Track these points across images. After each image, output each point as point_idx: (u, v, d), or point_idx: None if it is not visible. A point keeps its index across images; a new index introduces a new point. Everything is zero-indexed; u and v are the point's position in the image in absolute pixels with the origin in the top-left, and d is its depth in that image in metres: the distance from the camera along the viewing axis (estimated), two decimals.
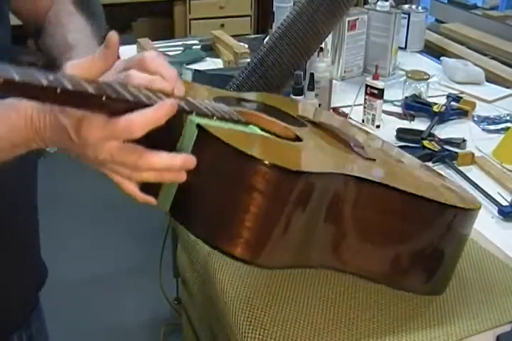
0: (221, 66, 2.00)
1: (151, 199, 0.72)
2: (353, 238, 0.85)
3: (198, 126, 0.71)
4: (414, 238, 0.89)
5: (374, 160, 0.94)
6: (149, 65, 0.74)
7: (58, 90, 0.60)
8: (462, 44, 2.28)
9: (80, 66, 0.66)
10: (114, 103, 0.65)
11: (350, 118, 1.62)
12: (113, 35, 0.66)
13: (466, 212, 0.92)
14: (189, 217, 0.74)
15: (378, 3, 1.91)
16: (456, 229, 0.92)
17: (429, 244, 0.91)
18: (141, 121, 0.65)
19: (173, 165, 0.68)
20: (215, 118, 0.76)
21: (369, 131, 1.19)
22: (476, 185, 1.30)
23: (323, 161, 0.86)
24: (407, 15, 2.10)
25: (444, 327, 0.90)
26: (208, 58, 2.09)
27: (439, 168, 1.37)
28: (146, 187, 0.72)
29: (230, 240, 0.72)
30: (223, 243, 0.73)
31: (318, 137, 0.95)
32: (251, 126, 0.83)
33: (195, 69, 1.77)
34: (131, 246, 2.78)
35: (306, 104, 1.44)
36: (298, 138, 0.88)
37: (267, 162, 0.70)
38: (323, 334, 0.89)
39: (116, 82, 0.68)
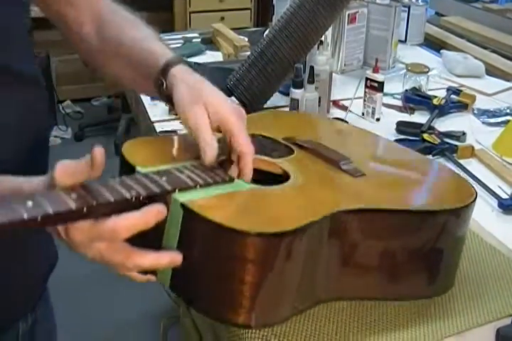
0: (221, 59, 2.00)
1: (151, 277, 0.75)
2: (353, 267, 0.86)
3: (182, 205, 0.72)
4: (414, 249, 0.89)
5: (364, 175, 0.93)
6: (235, 141, 0.82)
7: (39, 219, 0.61)
8: (462, 37, 2.28)
9: (69, 168, 0.67)
10: (97, 208, 0.65)
11: (350, 111, 1.63)
12: (98, 152, 0.66)
13: (460, 211, 0.91)
14: (188, 293, 0.76)
15: None
16: (454, 228, 0.91)
17: (429, 248, 0.90)
18: (127, 225, 0.67)
19: (159, 264, 0.72)
20: (198, 186, 0.76)
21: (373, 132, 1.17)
22: (476, 178, 1.30)
23: (312, 201, 0.84)
24: (407, 9, 2.09)
25: (444, 320, 0.91)
26: (207, 51, 2.09)
27: (439, 161, 1.37)
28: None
29: (232, 311, 0.74)
30: (225, 315, 0.74)
31: (305, 163, 0.94)
32: (236, 181, 0.82)
33: (195, 63, 1.76)
34: None
35: (301, 113, 1.43)
36: (286, 174, 0.88)
37: (251, 232, 0.70)
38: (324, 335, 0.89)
39: (97, 183, 0.69)
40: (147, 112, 1.63)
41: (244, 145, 0.82)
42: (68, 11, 0.98)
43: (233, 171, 0.84)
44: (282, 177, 0.88)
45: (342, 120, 1.52)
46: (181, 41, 2.15)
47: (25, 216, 0.60)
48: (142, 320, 2.42)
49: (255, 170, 0.85)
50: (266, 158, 0.93)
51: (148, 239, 0.71)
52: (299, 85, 1.52)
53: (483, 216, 1.15)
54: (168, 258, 0.72)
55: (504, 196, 1.24)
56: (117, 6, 1.02)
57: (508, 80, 1.88)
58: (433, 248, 0.90)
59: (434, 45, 2.21)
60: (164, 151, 0.86)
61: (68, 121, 3.95)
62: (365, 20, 1.90)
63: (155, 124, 1.55)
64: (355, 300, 0.92)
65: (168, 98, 0.88)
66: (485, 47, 2.17)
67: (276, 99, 1.59)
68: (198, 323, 1.21)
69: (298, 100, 1.51)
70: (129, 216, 0.66)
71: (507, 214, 1.20)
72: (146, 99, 1.68)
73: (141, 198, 0.69)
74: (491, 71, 1.94)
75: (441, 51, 2.03)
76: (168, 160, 0.82)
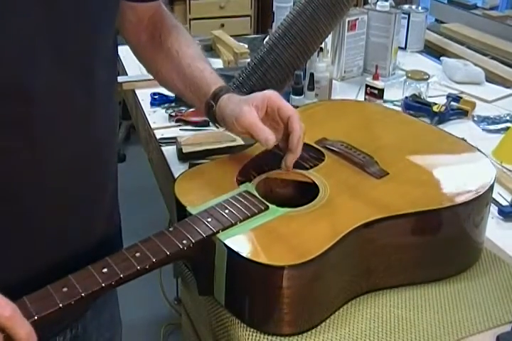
0: (221, 66, 2.00)
1: None
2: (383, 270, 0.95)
3: (225, 245, 0.84)
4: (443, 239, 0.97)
5: (387, 174, 1.01)
6: (292, 126, 0.97)
7: (113, 282, 0.77)
8: (462, 44, 2.28)
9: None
10: (156, 264, 0.80)
11: None
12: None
13: (481, 196, 0.98)
14: (238, 310, 0.89)
15: (378, 3, 1.91)
16: (479, 209, 1.00)
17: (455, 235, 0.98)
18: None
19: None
20: (238, 223, 0.88)
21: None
22: None
23: (336, 219, 0.91)
24: (407, 16, 2.10)
25: (444, 327, 0.90)
26: (208, 58, 2.09)
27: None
28: (204, 287, 0.92)
29: (272, 325, 0.86)
30: (268, 328, 0.87)
31: (333, 172, 1.02)
32: (270, 207, 0.92)
33: None
34: None
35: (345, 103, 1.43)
36: (315, 185, 0.97)
37: (281, 265, 0.81)
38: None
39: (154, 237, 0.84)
40: (147, 119, 1.63)
41: (297, 129, 0.97)
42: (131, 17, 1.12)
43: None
44: (315, 185, 0.98)
45: None
46: None
47: (103, 284, 0.76)
48: (142, 327, 2.42)
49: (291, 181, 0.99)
50: (298, 171, 1.02)
51: (202, 271, 0.90)
52: (299, 92, 1.52)
53: None
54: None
55: (504, 203, 1.23)
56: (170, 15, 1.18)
57: (507, 87, 1.88)
58: (457, 232, 0.98)
59: (434, 52, 2.21)
60: (210, 182, 1.00)
61: None
62: (365, 27, 1.90)
63: (155, 131, 1.55)
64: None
65: (214, 118, 1.06)
66: (485, 54, 2.17)
67: None
68: (200, 331, 1.21)
69: (298, 107, 1.51)
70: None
71: (507, 221, 1.20)
72: (145, 106, 1.69)
73: (191, 245, 0.83)
74: (491, 78, 1.94)
75: (441, 58, 2.03)
76: (215, 191, 0.95)
